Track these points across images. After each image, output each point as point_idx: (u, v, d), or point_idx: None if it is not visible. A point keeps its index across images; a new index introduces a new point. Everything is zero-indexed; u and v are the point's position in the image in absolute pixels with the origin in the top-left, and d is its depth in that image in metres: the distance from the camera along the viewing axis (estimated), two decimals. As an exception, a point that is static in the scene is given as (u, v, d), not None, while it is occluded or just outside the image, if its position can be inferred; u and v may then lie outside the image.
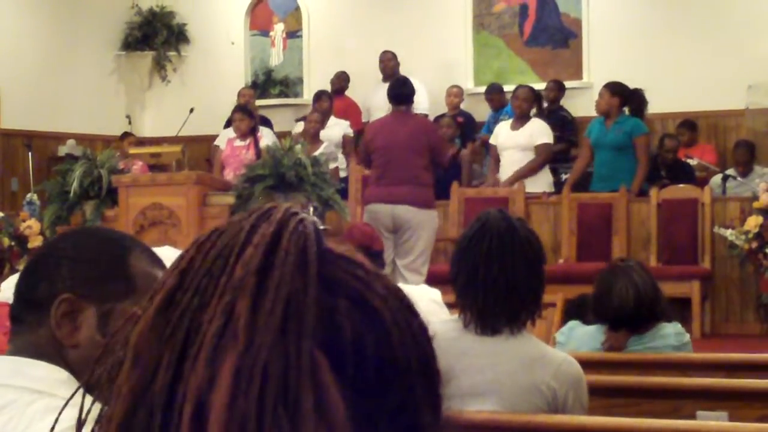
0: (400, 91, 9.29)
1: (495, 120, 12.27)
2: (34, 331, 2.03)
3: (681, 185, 10.68)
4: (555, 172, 11.74)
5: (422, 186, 8.98)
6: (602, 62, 12.87)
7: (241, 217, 0.96)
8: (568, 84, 12.78)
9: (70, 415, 1.85)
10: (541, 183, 11.18)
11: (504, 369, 3.34)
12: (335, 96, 13.03)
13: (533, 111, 11.61)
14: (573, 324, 5.02)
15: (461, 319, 3.44)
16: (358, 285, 0.94)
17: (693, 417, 3.70)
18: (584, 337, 4.81)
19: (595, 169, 10.97)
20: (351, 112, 13.01)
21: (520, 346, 3.38)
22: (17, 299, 2.10)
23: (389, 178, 8.89)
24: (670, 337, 4.72)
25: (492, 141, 11.51)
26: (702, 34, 12.51)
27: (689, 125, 12.07)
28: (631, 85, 11.32)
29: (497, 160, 11.38)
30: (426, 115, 12.42)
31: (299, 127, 12.38)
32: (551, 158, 11.58)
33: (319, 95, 12.87)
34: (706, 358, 4.69)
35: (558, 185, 11.44)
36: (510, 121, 11.43)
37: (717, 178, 11.16)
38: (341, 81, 13.45)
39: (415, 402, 0.96)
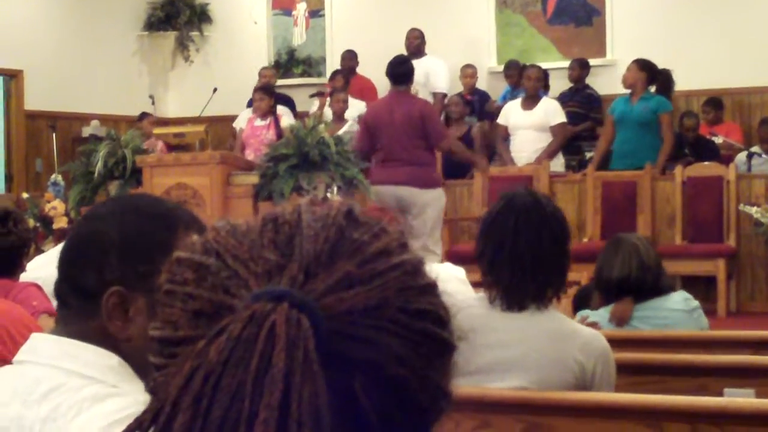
0: (396, 71, 9.26)
1: (513, 96, 12.26)
2: (83, 321, 1.97)
3: (706, 163, 10.64)
4: (579, 150, 11.73)
5: (423, 166, 8.99)
6: (626, 40, 12.81)
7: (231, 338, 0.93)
8: (591, 62, 12.72)
9: (117, 405, 1.85)
10: (554, 163, 11.19)
11: (531, 344, 3.34)
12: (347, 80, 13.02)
13: (541, 90, 11.66)
14: (582, 313, 5.02)
15: (487, 296, 3.44)
16: (370, 354, 0.95)
17: (720, 394, 3.69)
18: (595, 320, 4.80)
19: (617, 146, 10.93)
20: (366, 91, 12.97)
21: (547, 322, 3.38)
22: (62, 281, 2.04)
23: (391, 160, 8.90)
24: (678, 302, 4.76)
25: (501, 121, 11.54)
26: (727, 10, 12.43)
27: (714, 103, 12.00)
28: (655, 63, 11.27)
29: (505, 139, 11.42)
30: (444, 95, 12.42)
31: (315, 104, 12.44)
32: (573, 135, 11.60)
33: (333, 74, 12.89)
34: (732, 335, 4.68)
35: (582, 163, 11.44)
36: (519, 101, 11.46)
37: (742, 156, 11.11)
38: (349, 60, 13.43)
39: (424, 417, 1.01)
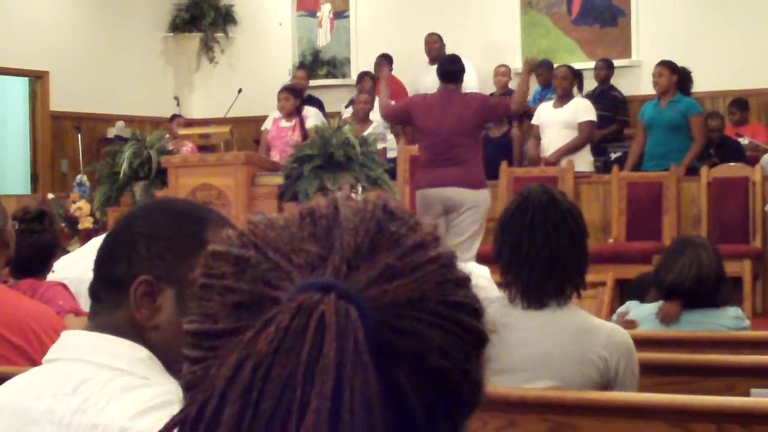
0: (450, 69, 9.16)
1: (542, 96, 12.26)
2: (113, 312, 2.00)
3: (731, 164, 10.60)
4: (604, 152, 11.70)
5: (472, 166, 8.91)
6: (651, 40, 12.78)
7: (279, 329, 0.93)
8: (616, 63, 12.70)
9: (148, 395, 1.87)
10: (582, 163, 11.15)
11: (553, 341, 3.34)
12: (379, 79, 13.02)
13: (575, 90, 11.64)
14: (630, 304, 5.01)
15: (507, 294, 3.44)
16: (413, 345, 0.96)
17: (747, 394, 3.68)
18: (641, 315, 4.79)
19: (648, 149, 10.91)
20: (396, 92, 12.96)
21: (568, 318, 3.38)
22: (96, 277, 2.07)
23: (438, 162, 8.81)
24: (727, 318, 4.69)
25: (534, 121, 11.56)
26: (753, 11, 12.39)
27: (740, 104, 11.95)
28: (680, 63, 11.25)
29: (538, 139, 11.43)
30: None
31: (348, 111, 12.42)
32: (600, 138, 11.58)
33: (361, 76, 12.88)
34: (759, 335, 4.66)
35: (607, 165, 11.42)
36: (552, 101, 11.47)
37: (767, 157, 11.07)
38: (382, 65, 13.41)
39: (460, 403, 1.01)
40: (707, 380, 3.83)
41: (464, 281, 1.02)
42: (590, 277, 7.84)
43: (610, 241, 10.43)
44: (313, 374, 0.91)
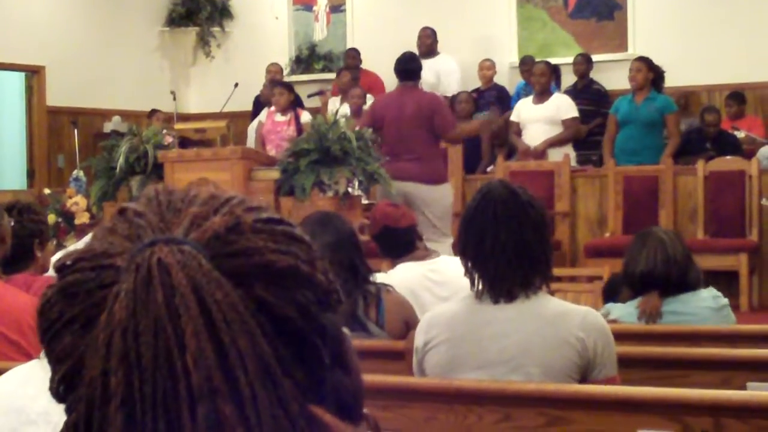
0: (407, 67, 9.32)
1: (525, 91, 12.28)
2: None
3: (728, 157, 10.59)
4: (598, 145, 11.70)
5: (430, 161, 8.98)
6: (647, 34, 12.77)
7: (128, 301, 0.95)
8: (612, 57, 12.73)
9: None
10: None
11: (530, 329, 3.37)
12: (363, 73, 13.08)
13: (553, 85, 11.67)
14: (608, 306, 5.01)
15: (474, 291, 3.46)
16: (253, 259, 0.99)
17: (743, 388, 3.68)
18: (621, 316, 4.80)
19: (620, 143, 10.96)
20: (374, 87, 12.98)
21: (540, 306, 3.41)
22: None
23: (398, 155, 8.86)
24: (707, 299, 4.74)
25: (513, 117, 11.59)
26: (749, 3, 12.38)
27: (737, 97, 11.95)
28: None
29: (519, 135, 11.44)
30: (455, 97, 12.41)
31: (314, 101, 12.50)
32: (587, 132, 11.60)
33: (339, 71, 12.92)
34: (755, 329, 4.66)
35: (603, 158, 11.43)
36: (530, 97, 11.50)
37: (765, 150, 11.04)
38: (352, 59, 13.49)
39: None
40: (704, 374, 3.83)
41: (264, 207, 1.06)
42: (586, 271, 7.90)
43: (607, 235, 10.44)
44: (176, 308, 0.93)
